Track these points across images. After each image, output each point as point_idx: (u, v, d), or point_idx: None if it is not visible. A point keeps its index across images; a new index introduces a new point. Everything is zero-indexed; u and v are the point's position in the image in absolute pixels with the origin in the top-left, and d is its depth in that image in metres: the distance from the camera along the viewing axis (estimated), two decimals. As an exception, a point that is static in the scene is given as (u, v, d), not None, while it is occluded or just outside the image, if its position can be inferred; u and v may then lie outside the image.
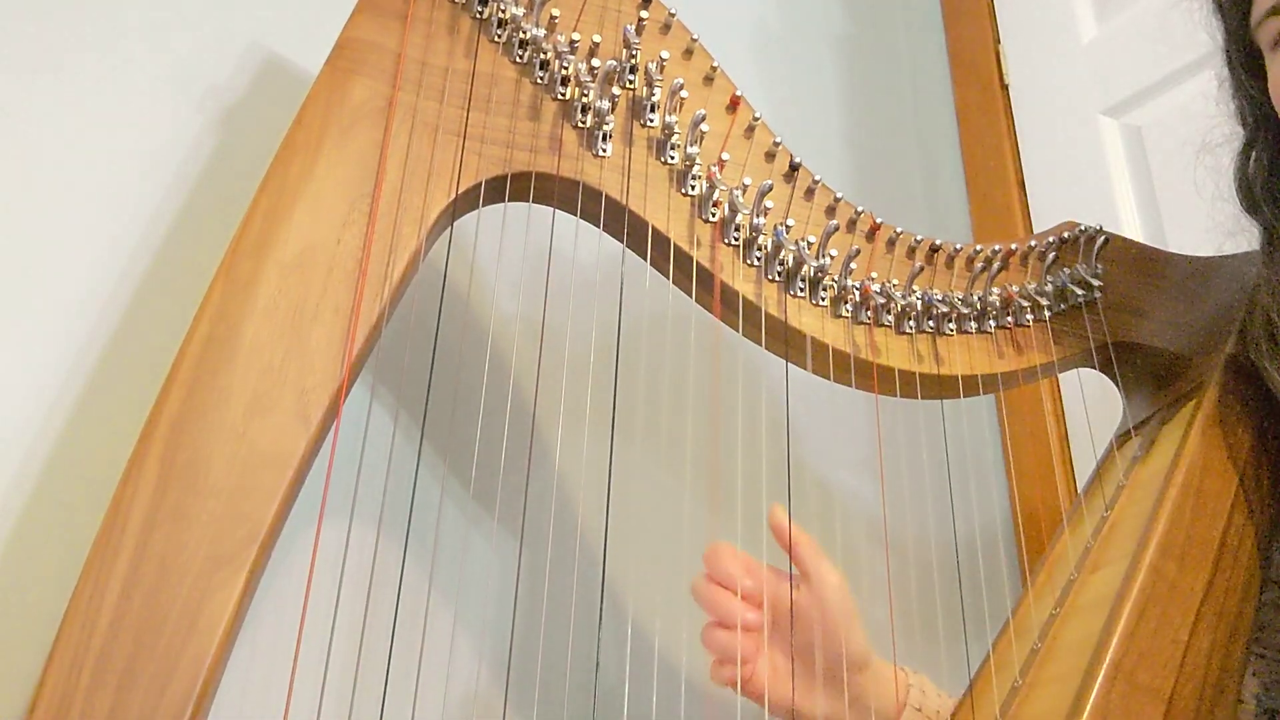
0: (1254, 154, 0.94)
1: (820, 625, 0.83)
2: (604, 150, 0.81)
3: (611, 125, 0.81)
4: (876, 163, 1.66)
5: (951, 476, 1.37)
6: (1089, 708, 0.70)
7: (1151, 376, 1.02)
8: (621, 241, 0.82)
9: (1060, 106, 1.61)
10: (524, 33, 0.80)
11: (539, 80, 0.81)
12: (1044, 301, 0.96)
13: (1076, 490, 1.41)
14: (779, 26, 1.60)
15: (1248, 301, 0.92)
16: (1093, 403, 1.15)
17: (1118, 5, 1.57)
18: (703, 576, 0.84)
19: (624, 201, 0.80)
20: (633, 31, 0.81)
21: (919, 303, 0.89)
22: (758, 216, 0.84)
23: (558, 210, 0.83)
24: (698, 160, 0.83)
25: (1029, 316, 0.96)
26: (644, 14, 0.83)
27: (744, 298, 0.83)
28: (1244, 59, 0.93)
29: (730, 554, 0.84)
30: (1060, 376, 1.13)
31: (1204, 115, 0.98)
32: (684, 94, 0.83)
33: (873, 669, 0.87)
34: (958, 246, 0.93)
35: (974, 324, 0.93)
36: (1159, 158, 1.46)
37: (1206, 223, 0.98)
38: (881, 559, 1.29)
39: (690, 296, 0.84)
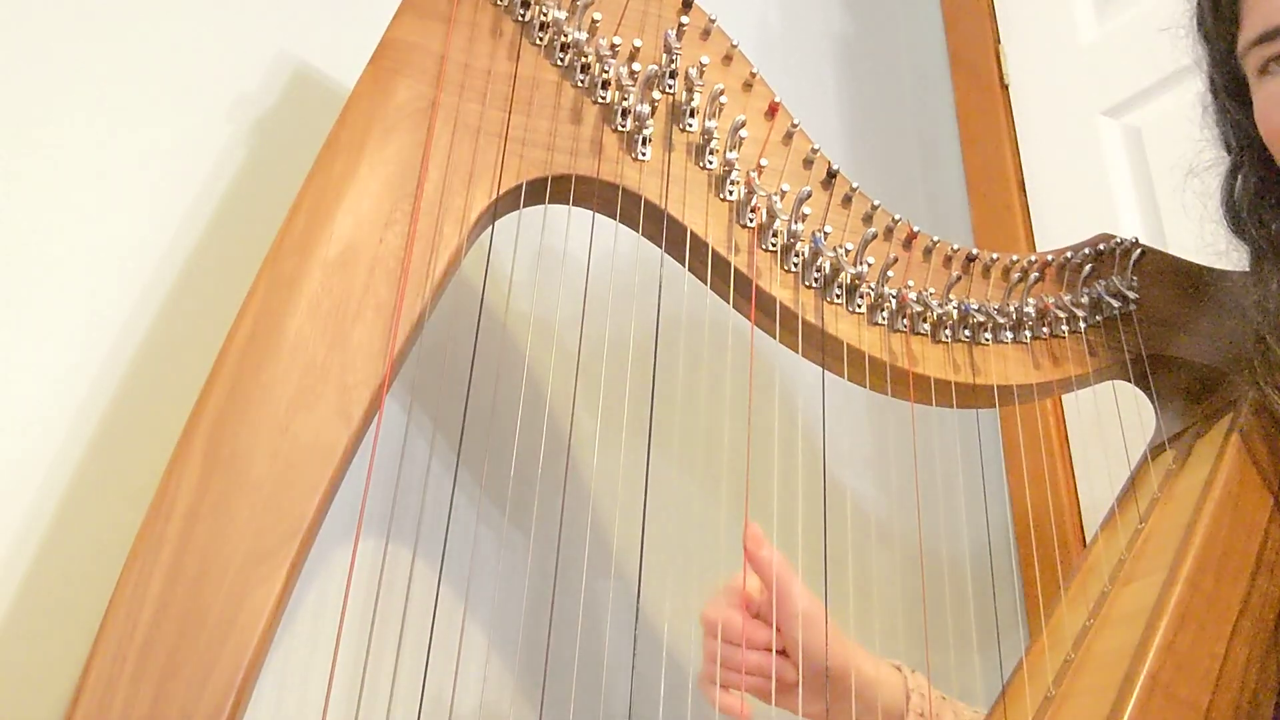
0: (1239, 178, 0.95)
1: (798, 638, 0.82)
2: (644, 154, 0.81)
3: (651, 130, 0.81)
4: (876, 163, 1.65)
5: (952, 481, 1.37)
6: (1126, 719, 0.70)
7: (1186, 390, 1.02)
8: (660, 246, 0.82)
9: (1060, 107, 1.60)
10: (566, 36, 0.80)
11: (580, 84, 0.81)
12: (1079, 313, 0.96)
13: (1077, 494, 1.41)
14: (779, 26, 1.60)
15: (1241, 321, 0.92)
16: (1096, 406, 1.14)
17: (1118, 5, 1.56)
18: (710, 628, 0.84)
19: (663, 206, 0.80)
20: (673, 36, 0.81)
21: (955, 312, 0.89)
22: (796, 223, 0.84)
23: (597, 213, 0.83)
24: (736, 166, 0.83)
25: (1064, 328, 0.96)
26: (684, 19, 0.83)
27: (781, 304, 0.83)
28: (1229, 85, 0.93)
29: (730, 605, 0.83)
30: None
31: (1203, 119, 0.99)
32: (723, 99, 0.83)
33: (858, 673, 0.85)
34: (994, 256, 0.93)
35: (1010, 334, 0.93)
36: (1159, 158, 1.45)
37: (1198, 240, 0.99)
38: (892, 562, 1.28)
39: (728, 302, 0.84)
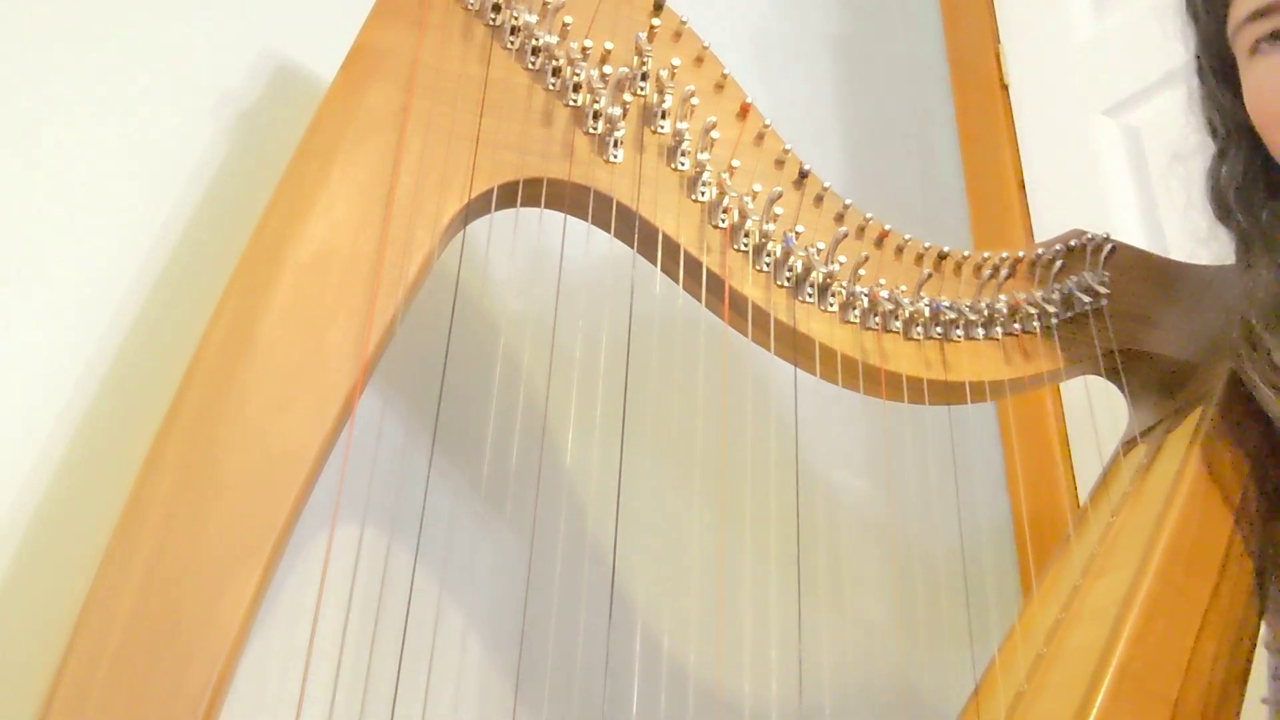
0: (1226, 163, 0.93)
1: None
2: (615, 156, 0.82)
3: (623, 132, 0.82)
4: (875, 163, 1.66)
5: (951, 479, 1.37)
6: (1095, 712, 0.71)
7: (1158, 384, 1.02)
8: (632, 247, 0.83)
9: (1060, 106, 1.61)
10: (536, 40, 0.81)
11: (551, 87, 0.82)
12: (1051, 309, 0.97)
13: (1077, 492, 1.42)
14: (777, 26, 1.60)
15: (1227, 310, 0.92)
16: (1095, 406, 1.15)
17: (1117, 2, 1.57)
18: None
19: (635, 207, 0.81)
20: (644, 39, 0.82)
21: (927, 309, 0.90)
22: (767, 223, 0.84)
23: (569, 215, 0.83)
24: (708, 167, 0.84)
25: (1036, 323, 0.96)
26: (655, 21, 0.84)
27: (753, 303, 0.84)
28: (1217, 67, 0.92)
29: None
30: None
31: (1188, 103, 0.99)
32: (695, 101, 0.84)
33: None
34: (965, 253, 0.94)
35: (981, 330, 0.93)
36: (1158, 157, 1.45)
37: (1191, 234, 0.99)
38: (883, 560, 1.29)
39: (700, 302, 0.84)
